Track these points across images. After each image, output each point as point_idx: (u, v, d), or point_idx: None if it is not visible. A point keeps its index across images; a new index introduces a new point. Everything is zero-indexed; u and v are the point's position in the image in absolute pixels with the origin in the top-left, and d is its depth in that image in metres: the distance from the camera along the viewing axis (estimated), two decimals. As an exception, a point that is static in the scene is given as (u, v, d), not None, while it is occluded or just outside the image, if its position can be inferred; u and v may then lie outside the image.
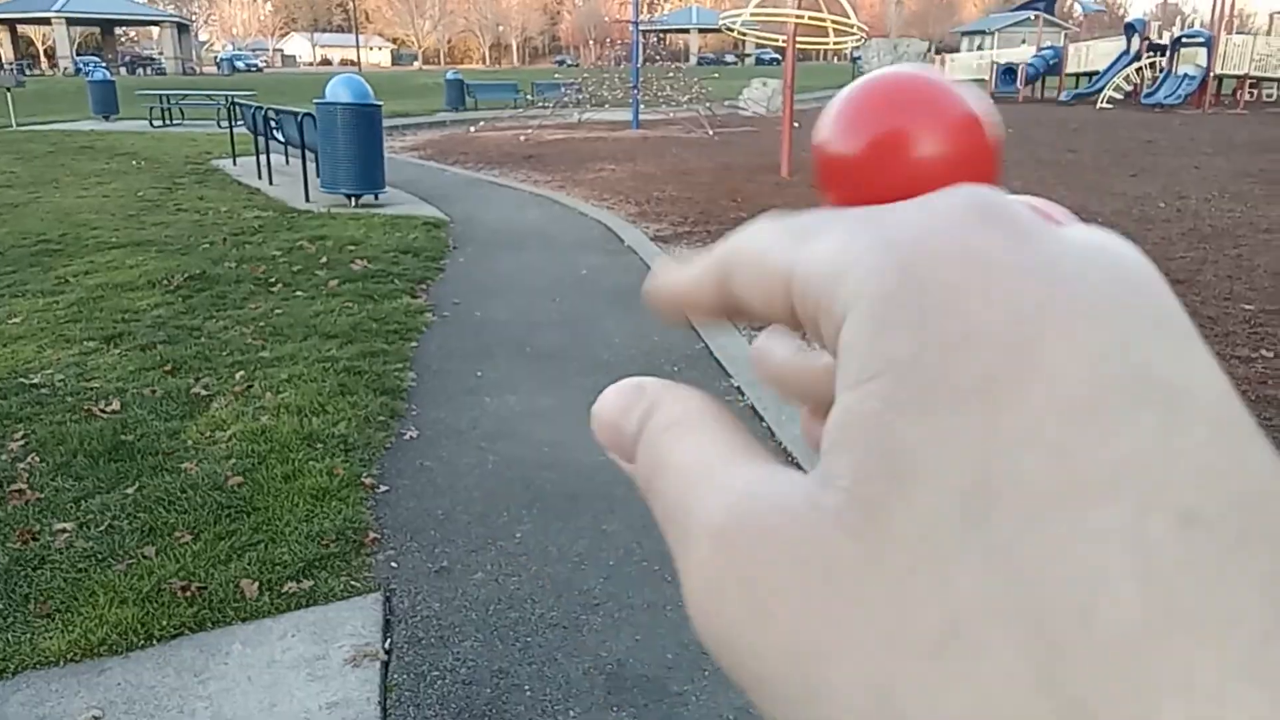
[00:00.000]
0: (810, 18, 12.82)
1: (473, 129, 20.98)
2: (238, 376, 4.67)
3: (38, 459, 3.71)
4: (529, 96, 26.50)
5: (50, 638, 2.62)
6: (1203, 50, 25.91)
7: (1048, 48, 34.09)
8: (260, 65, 74.27)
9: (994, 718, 0.14)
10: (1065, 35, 45.96)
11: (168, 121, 21.74)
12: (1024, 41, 43.06)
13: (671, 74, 24.08)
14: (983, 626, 0.14)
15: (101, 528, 3.20)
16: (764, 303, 0.20)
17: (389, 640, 2.67)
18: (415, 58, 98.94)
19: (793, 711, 0.16)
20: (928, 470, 0.15)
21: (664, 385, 0.22)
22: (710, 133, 19.08)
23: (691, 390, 0.22)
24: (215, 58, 78.11)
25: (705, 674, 2.52)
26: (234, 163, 13.64)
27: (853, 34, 13.55)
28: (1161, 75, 27.17)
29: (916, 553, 0.15)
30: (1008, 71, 32.14)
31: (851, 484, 0.16)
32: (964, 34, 61.16)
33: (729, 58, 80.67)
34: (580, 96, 23.10)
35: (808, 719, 0.15)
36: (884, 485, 0.15)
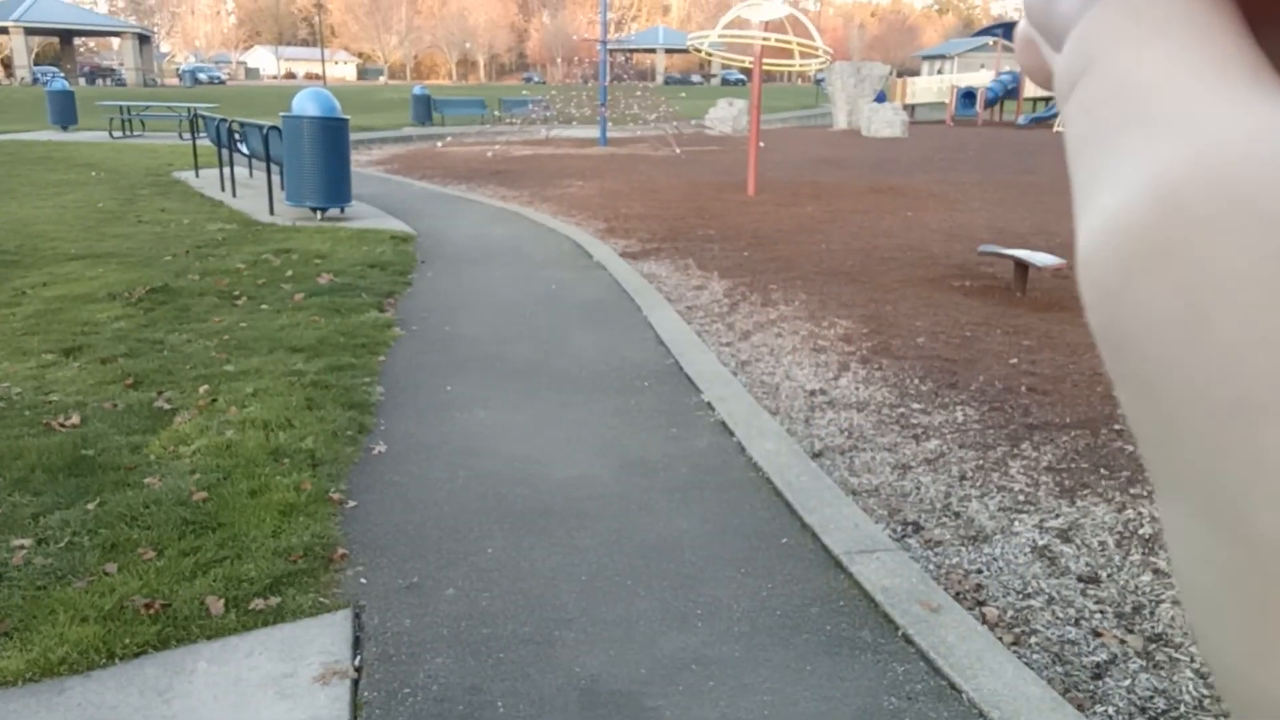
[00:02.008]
0: (776, 40, 12.99)
1: (440, 144, 20.91)
2: (201, 390, 4.59)
3: (-6, 474, 3.62)
4: (496, 113, 26.50)
5: (8, 657, 2.55)
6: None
7: (1006, 72, 34.80)
8: (223, 77, 73.47)
9: None
10: (1023, 61, 46.70)
11: (128, 133, 21.40)
12: (983, 66, 43.91)
13: (639, 92, 24.25)
14: None
15: (61, 544, 3.12)
16: None
17: (359, 657, 2.63)
18: (381, 72, 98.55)
19: (1210, 433, 0.12)
20: None
21: None
22: (677, 151, 19.21)
23: None
24: (177, 69, 77.20)
25: (679, 689, 2.51)
26: (196, 175, 13.47)
27: (817, 56, 13.74)
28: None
29: None
30: (967, 95, 32.73)
31: None
32: (925, 58, 62.27)
33: (695, 78, 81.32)
34: (548, 114, 23.14)
35: (1234, 441, 0.12)
36: None
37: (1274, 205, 0.11)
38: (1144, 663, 2.67)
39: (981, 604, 2.94)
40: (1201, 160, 0.12)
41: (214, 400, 4.47)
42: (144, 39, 62.32)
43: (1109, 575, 3.11)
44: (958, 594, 2.97)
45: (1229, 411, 0.12)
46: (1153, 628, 2.82)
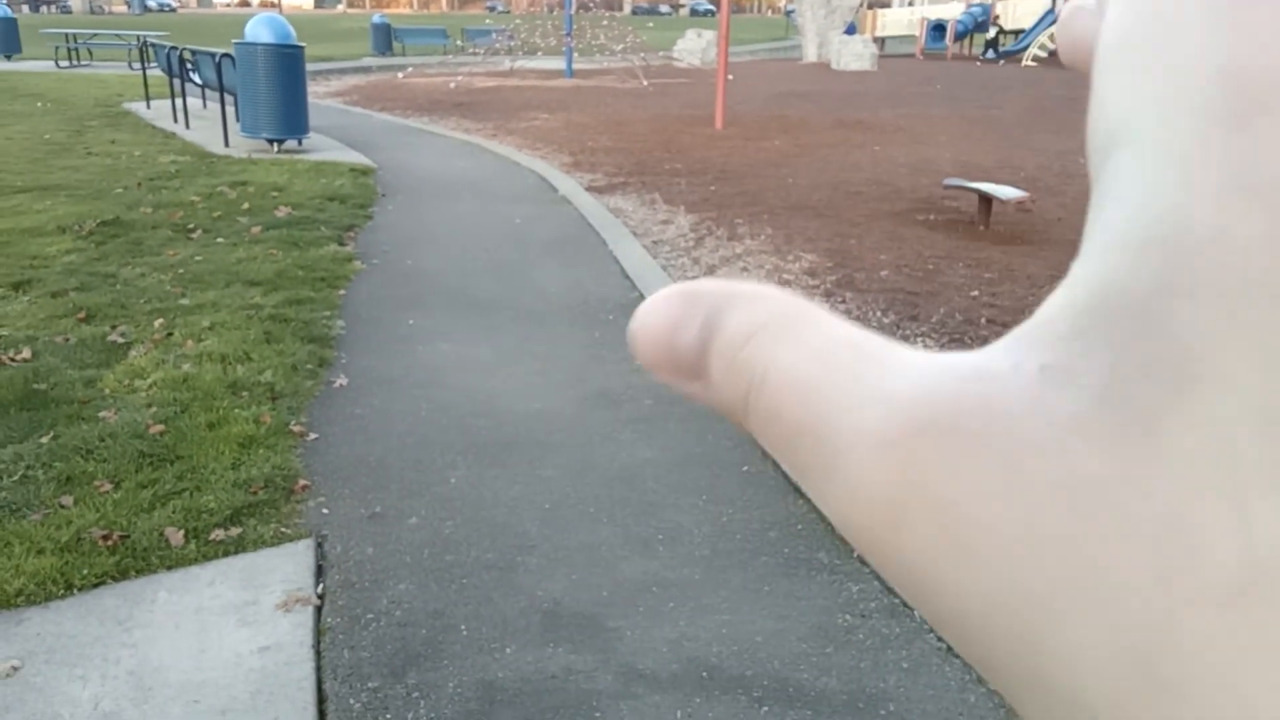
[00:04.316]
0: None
1: (400, 75, 20.39)
2: (157, 324, 4.51)
3: (-57, 408, 3.55)
4: (459, 43, 25.83)
5: (-37, 589, 2.53)
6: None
7: (976, 5, 34.44)
8: (174, 5, 70.79)
9: None
10: (994, -7, 46.34)
11: (75, 62, 20.61)
12: (954, -1, 43.34)
13: (605, 22, 23.72)
14: None
15: (15, 478, 3.08)
16: None
17: (321, 585, 2.64)
18: (340, 0, 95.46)
19: (1006, 665, 0.13)
20: (1222, 376, 0.12)
21: (725, 286, 0.17)
22: (645, 83, 18.89)
23: (767, 288, 0.17)
24: (125, -4, 74.13)
25: (640, 610, 2.55)
26: (147, 106, 13.04)
27: (787, -15, 13.48)
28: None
29: (1204, 475, 0.11)
30: (937, 28, 32.38)
31: (1108, 385, 0.12)
32: (896, -10, 61.32)
33: (664, 8, 79.71)
34: (512, 44, 22.61)
35: (1026, 676, 0.12)
36: (1156, 390, 0.12)
37: (996, 437, 0.13)
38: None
39: (936, 527, 3.00)
40: (913, 411, 0.13)
41: (169, 334, 4.39)
42: (88, -37, 59.71)
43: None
44: (913, 518, 3.03)
45: (1000, 631, 0.12)
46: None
